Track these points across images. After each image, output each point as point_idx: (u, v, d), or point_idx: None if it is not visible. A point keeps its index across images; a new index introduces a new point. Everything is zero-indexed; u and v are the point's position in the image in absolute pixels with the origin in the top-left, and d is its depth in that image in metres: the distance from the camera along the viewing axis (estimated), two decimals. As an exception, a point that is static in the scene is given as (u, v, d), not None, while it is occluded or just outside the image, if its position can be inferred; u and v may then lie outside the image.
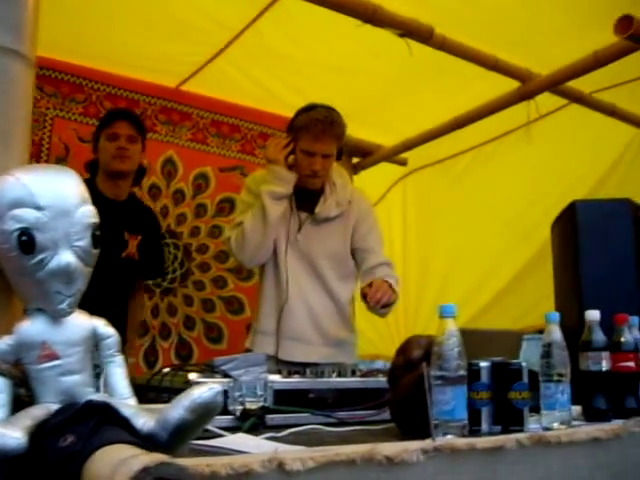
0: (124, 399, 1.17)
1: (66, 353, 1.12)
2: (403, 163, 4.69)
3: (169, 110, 3.89)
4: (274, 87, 3.78)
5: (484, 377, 1.59)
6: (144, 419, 1.08)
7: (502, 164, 4.28)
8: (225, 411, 1.70)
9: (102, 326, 1.19)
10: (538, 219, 3.04)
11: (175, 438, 1.07)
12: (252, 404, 1.76)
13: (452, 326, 1.54)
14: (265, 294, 2.97)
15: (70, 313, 1.14)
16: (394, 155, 4.55)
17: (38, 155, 3.46)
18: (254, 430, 1.65)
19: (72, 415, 1.04)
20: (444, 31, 3.10)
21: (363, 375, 2.12)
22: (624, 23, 2.63)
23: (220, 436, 1.51)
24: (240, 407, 1.73)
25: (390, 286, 2.72)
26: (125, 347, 2.12)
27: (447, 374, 1.48)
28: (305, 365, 2.52)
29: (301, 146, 2.82)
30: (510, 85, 3.56)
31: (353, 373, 2.12)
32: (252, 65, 3.57)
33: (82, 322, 1.17)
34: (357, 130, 4.30)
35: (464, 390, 1.50)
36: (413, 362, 1.62)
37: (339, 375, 2.06)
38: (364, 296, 2.69)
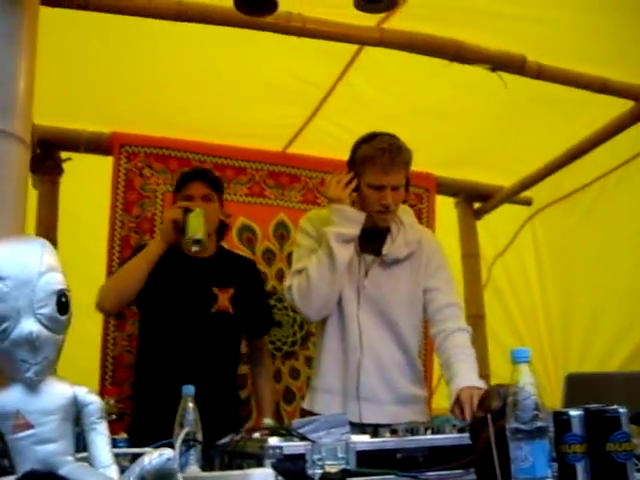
0: (104, 467, 1.14)
1: (40, 422, 1.12)
2: (528, 203, 4.47)
3: (277, 174, 3.90)
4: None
5: (575, 427, 1.41)
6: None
7: (634, 189, 3.97)
8: (303, 477, 1.62)
9: (83, 393, 1.18)
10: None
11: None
12: (332, 467, 1.65)
13: (526, 372, 1.37)
14: (328, 348, 2.74)
15: (39, 381, 1.14)
16: (515, 195, 4.35)
17: (152, 230, 3.54)
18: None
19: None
20: (539, 58, 2.96)
21: (460, 430, 1.94)
22: None
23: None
24: (320, 471, 1.63)
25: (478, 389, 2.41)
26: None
27: (522, 427, 1.31)
28: (376, 427, 2.35)
29: (367, 180, 2.63)
30: (625, 105, 3.33)
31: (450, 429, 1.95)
32: (348, 119, 3.51)
33: (60, 390, 1.16)
34: (472, 173, 4.18)
35: (544, 444, 1.32)
36: (491, 414, 1.46)
37: (433, 432, 1.90)
38: (454, 412, 2.43)
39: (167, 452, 1.05)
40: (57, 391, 1.16)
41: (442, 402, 3.13)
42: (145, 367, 2.96)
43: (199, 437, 1.78)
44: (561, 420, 1.41)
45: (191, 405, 1.79)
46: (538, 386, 1.36)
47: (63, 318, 1.14)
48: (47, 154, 3.45)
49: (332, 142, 3.72)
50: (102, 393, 2.53)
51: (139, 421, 2.86)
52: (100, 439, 1.16)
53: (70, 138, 3.50)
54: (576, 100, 3.22)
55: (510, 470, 1.34)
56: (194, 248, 2.74)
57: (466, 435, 1.83)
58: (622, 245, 4.16)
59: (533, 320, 4.63)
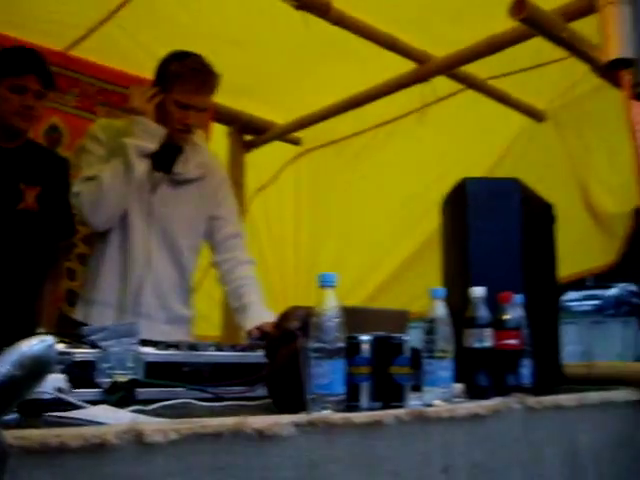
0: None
1: None
2: (297, 142, 4.60)
3: (56, 75, 3.67)
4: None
5: (364, 351, 1.54)
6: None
7: (397, 146, 4.26)
8: (92, 384, 1.60)
9: None
10: (432, 202, 3.03)
11: (1, 400, 0.95)
12: (121, 377, 1.64)
13: (332, 296, 1.46)
14: (108, 261, 2.67)
15: None
16: (288, 133, 4.46)
17: None
18: (123, 405, 1.54)
19: None
20: (342, 7, 3.04)
21: (243, 349, 2.03)
22: (519, 6, 2.63)
23: (81, 408, 1.40)
24: (108, 380, 1.62)
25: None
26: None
27: (325, 346, 1.41)
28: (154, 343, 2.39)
29: (175, 97, 2.59)
30: (408, 66, 3.53)
31: (233, 347, 2.03)
32: (143, 32, 3.38)
33: None
34: (249, 106, 4.21)
35: (343, 364, 1.43)
36: (290, 334, 1.55)
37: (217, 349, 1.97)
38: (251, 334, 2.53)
39: (48, 338, 0.98)
40: None
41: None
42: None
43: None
44: (352, 344, 1.52)
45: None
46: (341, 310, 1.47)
47: None
48: None
49: (119, 52, 3.58)
50: None
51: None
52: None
53: None
54: (367, 53, 3.36)
55: (302, 385, 1.44)
56: None
57: (249, 354, 1.93)
58: (376, 196, 4.46)
59: (282, 255, 4.81)
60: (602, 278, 16.55)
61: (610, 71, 2.29)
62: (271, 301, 4.58)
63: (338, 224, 4.63)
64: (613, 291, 22.62)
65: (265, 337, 2.26)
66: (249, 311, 2.64)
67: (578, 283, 16.94)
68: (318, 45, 3.37)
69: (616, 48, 2.05)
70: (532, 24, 2.66)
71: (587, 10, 2.67)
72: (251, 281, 2.76)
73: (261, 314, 2.61)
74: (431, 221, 3.67)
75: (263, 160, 4.60)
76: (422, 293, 3.87)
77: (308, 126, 4.27)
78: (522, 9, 2.60)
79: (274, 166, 4.75)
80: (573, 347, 15.76)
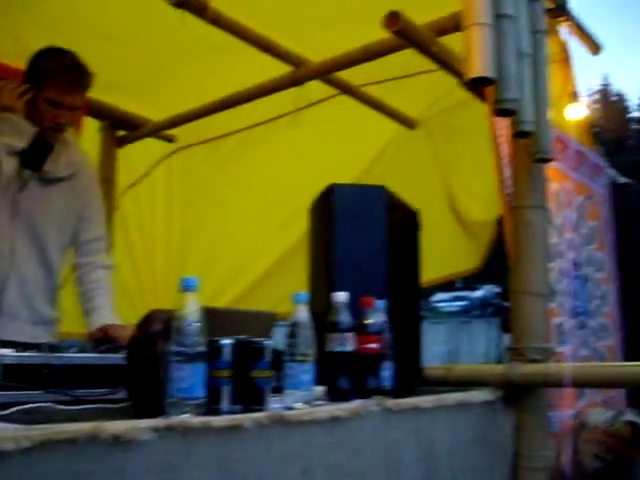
0: None
1: None
2: (171, 140, 4.54)
3: None
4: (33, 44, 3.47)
5: (226, 355, 1.55)
6: None
7: (270, 148, 4.28)
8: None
9: None
10: (303, 205, 3.08)
11: None
12: (-23, 380, 1.60)
13: (193, 300, 1.47)
14: None
15: None
16: (161, 130, 4.39)
17: None
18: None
19: None
20: (220, 6, 3.04)
21: (106, 351, 1.99)
22: (392, 19, 2.70)
23: None
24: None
25: None
26: None
27: (185, 350, 1.42)
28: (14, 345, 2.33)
29: (47, 95, 2.53)
30: (284, 69, 3.55)
31: (96, 348, 2.00)
32: (13, 21, 3.22)
33: None
34: (123, 102, 4.12)
35: (203, 368, 1.44)
36: (151, 337, 1.54)
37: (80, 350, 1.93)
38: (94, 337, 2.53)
39: None
40: None
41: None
42: None
43: None
44: (214, 347, 1.53)
45: None
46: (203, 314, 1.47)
47: None
48: None
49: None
50: None
51: None
52: None
53: None
54: (244, 54, 3.34)
55: (162, 389, 1.43)
56: None
57: (112, 355, 1.90)
58: (248, 197, 4.48)
59: (153, 253, 4.75)
60: (470, 280, 17.23)
61: (474, 86, 2.38)
62: (141, 299, 4.56)
63: (209, 224, 4.62)
64: (479, 293, 23.57)
65: (107, 339, 2.33)
66: (95, 314, 2.66)
67: (448, 285, 17.55)
68: (196, 43, 3.35)
69: (478, 67, 2.13)
70: (404, 36, 2.73)
71: (456, 27, 2.76)
72: (102, 285, 2.76)
73: (106, 317, 2.63)
74: (301, 224, 3.73)
75: (136, 156, 4.51)
76: (290, 295, 3.94)
77: (183, 124, 4.21)
78: (395, 22, 2.66)
79: (147, 163, 4.67)
80: (441, 347, 16.30)
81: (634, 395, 3.06)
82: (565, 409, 2.61)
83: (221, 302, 4.52)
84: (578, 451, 1.50)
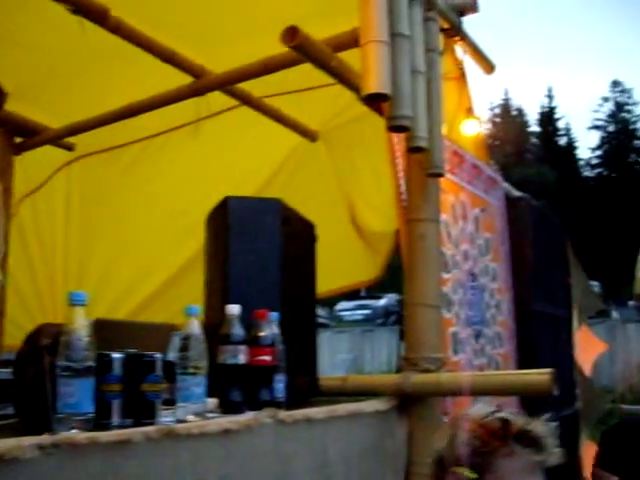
0: None
1: None
2: (70, 148, 4.45)
3: None
4: None
5: (116, 369, 1.54)
6: None
7: (171, 159, 4.26)
8: None
9: None
10: (202, 217, 3.10)
11: None
12: None
13: (82, 314, 1.46)
14: None
15: None
16: (60, 138, 4.29)
17: None
18: None
19: None
20: (121, 15, 3.01)
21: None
22: (291, 34, 2.73)
23: None
24: None
25: None
26: None
27: (73, 365, 1.41)
28: None
29: None
30: (185, 80, 3.54)
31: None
32: None
33: None
34: (21, 108, 4.02)
35: (92, 382, 1.44)
36: (38, 351, 1.52)
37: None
38: None
39: None
40: None
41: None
42: None
43: None
44: (103, 361, 1.53)
45: None
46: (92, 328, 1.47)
47: None
48: None
49: None
50: None
51: None
52: None
53: None
54: (146, 63, 3.31)
55: (48, 407, 1.42)
56: None
57: (1, 370, 1.86)
58: (148, 207, 4.44)
59: (52, 263, 4.65)
60: (377, 289, 17.42)
61: (371, 102, 2.44)
62: (40, 310, 4.45)
63: (109, 234, 4.55)
64: (382, 301, 23.87)
65: None
66: None
67: (353, 293, 17.71)
68: (97, 51, 3.30)
69: (374, 83, 2.19)
70: (302, 51, 2.77)
71: (355, 42, 2.82)
72: None
73: None
74: (202, 236, 3.73)
75: (34, 164, 4.40)
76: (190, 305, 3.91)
77: (82, 132, 4.13)
78: (294, 37, 2.70)
79: (46, 171, 4.57)
80: (345, 355, 16.44)
81: (526, 400, 3.16)
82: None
83: (120, 313, 4.46)
84: (455, 438, 1.64)
